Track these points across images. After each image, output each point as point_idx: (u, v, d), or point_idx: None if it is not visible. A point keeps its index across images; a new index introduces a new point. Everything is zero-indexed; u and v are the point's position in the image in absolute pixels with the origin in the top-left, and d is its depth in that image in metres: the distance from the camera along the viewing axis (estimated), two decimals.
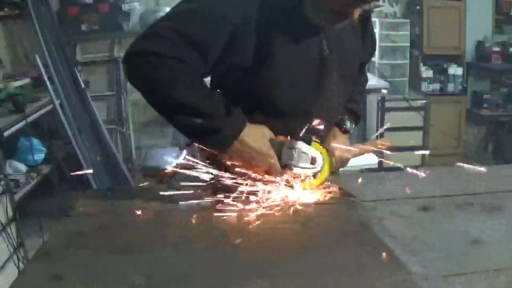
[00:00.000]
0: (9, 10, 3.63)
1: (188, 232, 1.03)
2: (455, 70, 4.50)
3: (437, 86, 4.52)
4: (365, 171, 3.42)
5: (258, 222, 1.06)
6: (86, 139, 3.51)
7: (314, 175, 1.22)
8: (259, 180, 1.17)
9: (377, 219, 1.07)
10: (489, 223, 1.04)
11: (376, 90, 3.90)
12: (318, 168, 1.21)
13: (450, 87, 4.52)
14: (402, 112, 4.31)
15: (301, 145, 1.18)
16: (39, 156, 3.34)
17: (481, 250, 0.92)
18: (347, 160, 1.37)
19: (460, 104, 4.54)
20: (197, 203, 1.16)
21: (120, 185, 3.58)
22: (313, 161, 1.20)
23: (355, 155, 1.38)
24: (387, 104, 4.22)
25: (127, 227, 1.06)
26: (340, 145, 1.32)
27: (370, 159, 3.37)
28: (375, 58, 4.42)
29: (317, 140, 1.24)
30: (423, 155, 4.44)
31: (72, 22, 4.10)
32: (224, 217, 1.09)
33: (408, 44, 4.45)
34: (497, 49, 4.53)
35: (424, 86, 4.49)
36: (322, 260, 0.90)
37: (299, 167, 1.18)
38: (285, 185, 1.19)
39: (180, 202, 1.17)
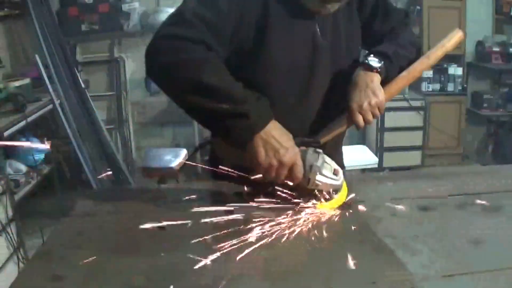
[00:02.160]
0: (9, 10, 3.62)
1: (188, 231, 1.03)
2: (455, 70, 4.49)
3: (437, 86, 4.52)
4: (366, 171, 3.43)
5: (259, 221, 1.06)
6: (86, 139, 3.51)
7: (335, 192, 1.14)
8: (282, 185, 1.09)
9: (377, 219, 1.07)
10: (489, 223, 1.04)
11: None
12: (339, 182, 1.12)
13: (450, 87, 4.52)
14: (402, 112, 4.31)
15: (322, 153, 1.12)
16: (39, 156, 3.34)
17: (481, 250, 0.92)
18: (378, 104, 1.19)
19: (460, 104, 4.54)
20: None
21: (120, 185, 3.58)
22: (335, 172, 1.11)
23: (392, 93, 1.23)
24: (387, 104, 4.21)
25: (127, 227, 1.06)
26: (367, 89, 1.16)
27: (370, 159, 3.39)
28: None
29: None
30: (423, 155, 4.45)
31: (72, 22, 4.10)
32: (225, 217, 1.09)
33: None
34: (497, 49, 4.53)
35: (424, 86, 4.48)
36: (322, 260, 0.90)
37: (323, 174, 1.09)
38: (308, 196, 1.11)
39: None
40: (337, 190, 1.14)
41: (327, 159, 1.13)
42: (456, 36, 1.29)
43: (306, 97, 1.26)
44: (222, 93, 1.06)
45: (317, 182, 1.09)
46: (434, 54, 1.27)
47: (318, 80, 1.26)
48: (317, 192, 1.11)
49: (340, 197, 1.15)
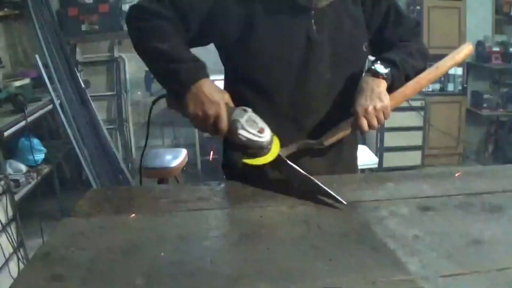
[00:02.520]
0: (9, 10, 3.63)
1: (188, 232, 1.03)
2: (455, 70, 4.49)
3: (437, 86, 4.52)
4: (366, 171, 3.43)
5: (258, 222, 1.06)
6: (86, 139, 3.51)
7: (258, 150, 1.19)
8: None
9: (377, 219, 1.07)
10: (489, 223, 1.04)
11: None
12: (264, 139, 1.17)
13: (450, 87, 4.52)
14: (402, 112, 4.32)
15: (253, 113, 1.18)
16: (39, 156, 3.34)
17: (481, 250, 0.92)
18: (383, 108, 1.21)
19: (460, 104, 4.55)
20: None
21: (120, 185, 3.58)
22: (260, 131, 1.17)
23: (399, 101, 1.28)
24: None
25: (127, 227, 1.06)
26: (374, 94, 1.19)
27: (370, 159, 3.39)
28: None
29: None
30: (423, 155, 4.45)
31: (72, 22, 4.10)
32: (224, 217, 1.09)
33: None
34: (497, 49, 4.53)
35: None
36: (322, 260, 0.90)
37: (246, 129, 1.16)
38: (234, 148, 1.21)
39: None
40: (262, 147, 1.18)
41: (257, 119, 1.18)
42: (466, 49, 1.33)
43: (302, 92, 1.28)
44: (165, 56, 1.20)
45: (239, 136, 1.16)
46: (443, 66, 1.31)
47: (315, 75, 1.27)
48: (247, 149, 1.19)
49: (269, 155, 1.20)
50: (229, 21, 1.24)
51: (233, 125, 1.17)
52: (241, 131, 1.16)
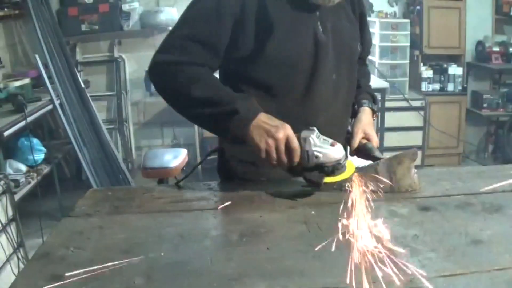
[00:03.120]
0: (9, 10, 3.63)
1: (188, 231, 1.03)
2: (455, 70, 4.49)
3: (437, 86, 4.52)
4: None
5: (258, 222, 1.06)
6: (86, 139, 3.51)
7: (336, 167, 1.16)
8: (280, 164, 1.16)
9: (376, 219, 1.07)
10: (489, 223, 1.04)
11: (376, 90, 3.90)
12: (339, 156, 1.15)
13: (450, 87, 4.52)
14: (402, 112, 4.31)
15: (319, 133, 1.16)
16: (39, 156, 3.34)
17: (481, 250, 0.92)
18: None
19: (460, 104, 4.54)
20: None
21: (120, 185, 3.58)
22: (333, 144, 1.15)
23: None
24: (387, 104, 4.23)
25: (127, 227, 1.06)
26: (369, 124, 1.40)
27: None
28: (375, 58, 4.42)
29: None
30: (423, 155, 4.45)
31: (72, 22, 4.10)
32: (224, 217, 1.10)
33: (408, 44, 4.45)
34: (497, 49, 4.53)
35: (424, 86, 4.49)
36: (321, 260, 0.90)
37: (319, 146, 1.14)
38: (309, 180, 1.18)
39: None
40: (340, 160, 1.15)
41: (323, 136, 1.17)
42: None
43: (311, 93, 1.29)
44: (212, 101, 1.19)
45: (316, 153, 1.14)
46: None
47: (322, 76, 1.28)
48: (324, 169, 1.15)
49: (347, 170, 1.17)
50: (246, 35, 1.22)
51: (305, 144, 1.14)
52: (315, 148, 1.14)
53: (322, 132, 1.19)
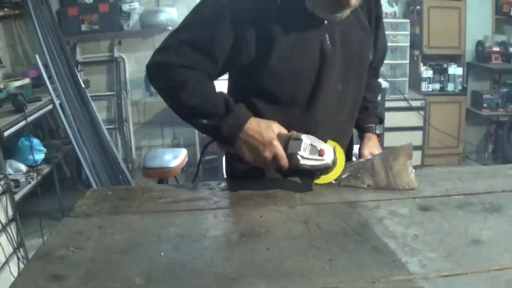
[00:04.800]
0: (9, 10, 3.63)
1: (188, 231, 1.03)
2: (455, 70, 4.50)
3: (437, 86, 4.52)
4: None
5: (258, 222, 1.06)
6: (86, 139, 3.51)
7: (325, 170, 1.19)
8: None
9: (377, 219, 1.07)
10: (489, 223, 1.04)
11: None
12: (328, 161, 1.17)
13: (450, 87, 4.52)
14: (402, 112, 4.32)
15: (308, 137, 1.17)
16: (39, 156, 3.34)
17: (481, 250, 0.92)
18: None
19: (460, 104, 4.54)
20: None
21: (120, 185, 3.58)
22: (321, 153, 1.16)
23: None
24: (387, 104, 4.23)
25: (127, 227, 1.06)
26: (374, 147, 1.43)
27: None
28: None
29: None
30: (423, 155, 4.45)
31: (72, 22, 4.10)
32: (224, 217, 1.09)
33: (408, 44, 4.45)
34: (497, 49, 4.53)
35: (424, 86, 4.49)
36: (321, 260, 0.90)
37: (306, 157, 1.16)
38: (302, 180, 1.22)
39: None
40: (327, 167, 1.19)
41: (313, 140, 1.18)
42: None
43: (315, 104, 1.27)
44: (198, 111, 1.21)
45: (303, 166, 1.16)
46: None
47: (326, 87, 1.27)
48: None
49: (334, 172, 1.23)
50: (249, 46, 1.21)
51: (292, 158, 1.16)
52: (302, 162, 1.16)
53: (325, 138, 1.21)
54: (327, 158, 1.17)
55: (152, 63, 1.25)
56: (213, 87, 1.24)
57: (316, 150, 1.16)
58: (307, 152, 1.16)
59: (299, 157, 1.15)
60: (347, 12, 1.17)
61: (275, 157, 1.16)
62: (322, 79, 1.25)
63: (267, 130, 1.18)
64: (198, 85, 1.21)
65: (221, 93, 1.23)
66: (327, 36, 1.24)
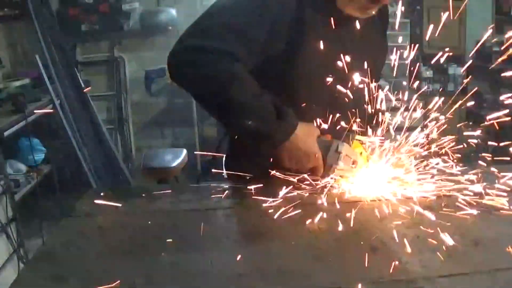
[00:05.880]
0: (9, 10, 3.62)
1: (188, 232, 1.03)
2: (455, 70, 4.49)
3: (437, 86, 4.52)
4: None
5: (258, 222, 1.06)
6: (86, 139, 3.51)
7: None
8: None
9: (377, 219, 1.07)
10: (489, 223, 1.04)
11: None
12: (355, 172, 1.24)
13: (450, 87, 4.52)
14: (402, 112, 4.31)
15: (343, 146, 1.21)
16: (39, 156, 3.34)
17: (481, 250, 0.92)
18: None
19: (460, 104, 4.54)
20: None
21: (120, 185, 3.58)
22: (354, 163, 1.22)
23: None
24: (387, 104, 4.22)
25: (127, 227, 1.06)
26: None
27: None
28: None
29: (359, 140, 1.27)
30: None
31: (72, 22, 4.10)
32: (224, 217, 1.09)
33: (408, 44, 4.45)
34: (497, 49, 4.53)
35: (424, 86, 4.49)
36: (321, 260, 0.90)
37: (341, 169, 1.21)
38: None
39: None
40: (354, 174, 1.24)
41: (349, 151, 1.21)
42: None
43: (334, 107, 1.25)
44: (247, 110, 1.10)
45: (336, 175, 1.23)
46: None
47: (344, 88, 1.25)
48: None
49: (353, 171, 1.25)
50: (282, 41, 1.18)
51: (329, 170, 1.21)
52: (337, 172, 1.22)
53: (339, 136, 1.22)
54: (358, 168, 1.23)
55: (184, 48, 1.10)
56: (256, 82, 1.14)
57: (350, 161, 1.21)
58: (342, 164, 1.20)
59: (335, 168, 1.20)
60: (376, 9, 1.20)
61: (315, 168, 1.19)
62: (341, 81, 1.23)
63: (311, 140, 1.18)
64: (247, 80, 1.12)
65: (267, 92, 1.16)
66: (349, 38, 1.25)
